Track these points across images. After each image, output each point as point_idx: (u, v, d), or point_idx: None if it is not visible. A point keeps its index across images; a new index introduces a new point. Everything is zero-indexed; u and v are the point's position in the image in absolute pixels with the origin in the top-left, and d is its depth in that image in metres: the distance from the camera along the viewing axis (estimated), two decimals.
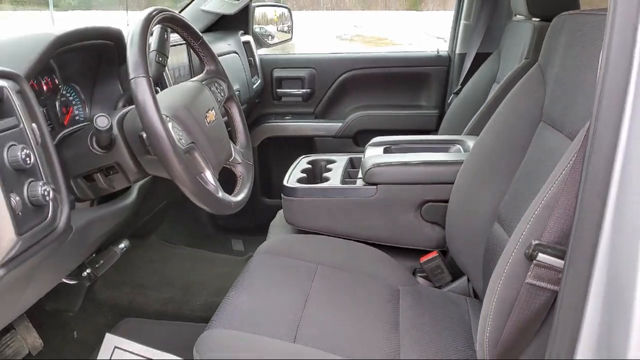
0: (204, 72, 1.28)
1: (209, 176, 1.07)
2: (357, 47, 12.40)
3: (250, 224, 2.46)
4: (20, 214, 0.80)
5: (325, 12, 24.07)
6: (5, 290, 0.89)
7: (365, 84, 2.54)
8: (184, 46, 1.69)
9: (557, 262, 0.81)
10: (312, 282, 1.27)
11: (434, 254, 1.46)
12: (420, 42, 11.25)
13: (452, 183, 1.41)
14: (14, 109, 0.85)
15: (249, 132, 1.36)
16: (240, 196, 1.19)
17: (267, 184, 2.58)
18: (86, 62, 1.27)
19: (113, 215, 1.19)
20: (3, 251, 0.79)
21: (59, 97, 1.19)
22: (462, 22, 2.46)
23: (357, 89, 2.55)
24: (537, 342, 0.88)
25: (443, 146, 1.74)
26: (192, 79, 1.25)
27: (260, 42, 2.54)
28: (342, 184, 1.59)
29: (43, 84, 1.15)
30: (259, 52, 2.47)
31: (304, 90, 2.53)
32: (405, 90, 2.54)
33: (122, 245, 1.40)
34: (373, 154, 1.65)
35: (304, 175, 1.68)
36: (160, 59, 1.25)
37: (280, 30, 2.67)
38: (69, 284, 1.42)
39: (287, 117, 2.56)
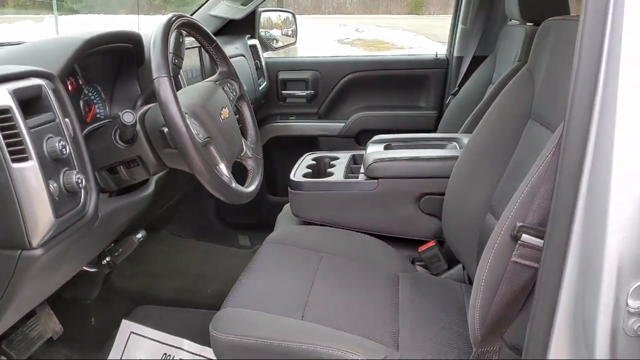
0: (217, 73, 1.37)
1: (224, 168, 1.16)
2: (359, 51, 12.49)
3: (256, 220, 2.55)
4: (57, 199, 0.89)
5: (327, 16, 24.19)
6: (38, 271, 0.98)
7: (367, 85, 2.63)
8: (196, 49, 1.78)
9: (539, 242, 0.90)
10: (317, 268, 1.36)
11: (431, 243, 1.55)
12: (420, 45, 11.35)
13: (448, 177, 1.50)
14: (51, 105, 0.94)
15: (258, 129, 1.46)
16: (251, 187, 1.27)
17: (273, 181, 2.65)
18: (106, 64, 1.36)
19: (133, 205, 1.28)
20: (42, 232, 0.88)
21: (82, 96, 1.28)
22: (460, 26, 2.54)
23: (359, 90, 2.64)
24: (522, 317, 0.97)
25: (440, 143, 1.83)
26: (206, 80, 1.34)
27: (266, 45, 2.63)
28: (345, 178, 1.68)
29: (68, 84, 1.24)
30: (265, 55, 2.56)
31: (308, 92, 2.61)
32: (405, 91, 2.63)
33: (139, 235, 1.49)
34: (374, 150, 1.73)
35: (309, 170, 1.77)
36: (176, 60, 1.34)
37: (284, 35, 2.77)
38: (89, 272, 1.51)
39: (292, 118, 2.65)
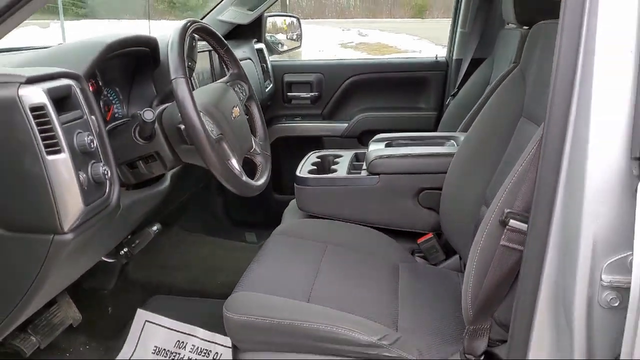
0: (228, 75, 1.46)
1: (235, 163, 1.24)
2: (362, 55, 12.58)
3: (263, 218, 2.63)
4: (86, 188, 0.97)
5: (331, 20, 24.28)
6: (67, 256, 1.06)
7: (369, 87, 2.70)
8: (206, 53, 1.87)
9: (525, 227, 0.97)
10: (322, 258, 1.45)
11: (430, 235, 1.63)
12: (423, 48, 11.42)
13: (446, 173, 1.58)
14: (79, 103, 1.03)
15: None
16: (260, 181, 1.36)
17: (278, 180, 2.71)
18: (124, 66, 1.44)
19: (150, 198, 1.36)
20: (73, 218, 0.96)
21: (102, 97, 1.37)
22: (459, 29, 2.61)
23: (362, 92, 2.71)
24: (510, 298, 1.05)
25: (438, 141, 1.91)
26: (218, 81, 1.43)
27: (271, 49, 2.72)
28: (348, 174, 1.77)
29: (89, 85, 1.33)
30: (271, 59, 2.64)
31: (313, 94, 2.69)
32: (406, 93, 2.70)
33: (154, 228, 1.58)
34: (376, 148, 1.82)
35: (314, 167, 1.85)
36: (190, 63, 1.43)
37: (289, 39, 2.85)
38: (107, 262, 1.59)
39: (297, 119, 2.72)
